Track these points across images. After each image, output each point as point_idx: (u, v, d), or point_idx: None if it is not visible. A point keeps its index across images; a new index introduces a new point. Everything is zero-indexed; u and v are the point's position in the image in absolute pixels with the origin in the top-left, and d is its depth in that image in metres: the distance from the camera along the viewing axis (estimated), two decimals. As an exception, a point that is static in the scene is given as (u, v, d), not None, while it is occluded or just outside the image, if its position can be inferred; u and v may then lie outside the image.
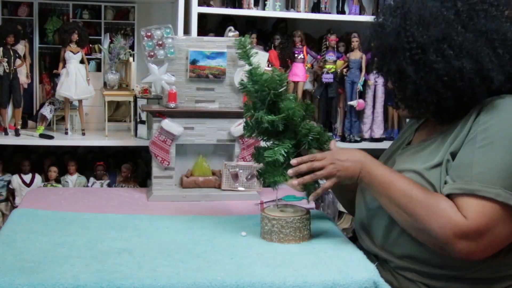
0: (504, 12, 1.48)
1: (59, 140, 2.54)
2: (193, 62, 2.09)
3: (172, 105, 2.08)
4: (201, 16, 2.64)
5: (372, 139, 2.79)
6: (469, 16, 1.45)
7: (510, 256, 1.43)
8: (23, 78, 2.54)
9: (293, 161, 1.58)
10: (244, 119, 1.70)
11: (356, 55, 2.73)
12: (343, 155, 1.56)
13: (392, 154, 1.69)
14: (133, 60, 2.65)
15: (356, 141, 2.77)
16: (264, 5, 2.75)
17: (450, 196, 1.39)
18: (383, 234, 1.54)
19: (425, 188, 1.44)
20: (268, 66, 2.62)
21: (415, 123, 1.73)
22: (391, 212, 1.47)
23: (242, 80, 1.69)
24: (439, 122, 1.55)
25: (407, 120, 1.87)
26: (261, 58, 2.16)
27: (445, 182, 1.41)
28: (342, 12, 2.85)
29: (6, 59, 2.43)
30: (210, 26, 2.85)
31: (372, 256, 1.58)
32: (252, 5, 2.70)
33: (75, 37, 2.51)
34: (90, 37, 2.66)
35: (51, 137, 2.53)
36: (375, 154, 1.94)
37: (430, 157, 1.48)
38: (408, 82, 1.48)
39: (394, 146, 1.74)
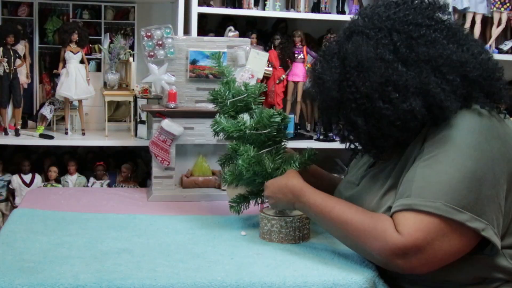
0: (443, 31, 1.41)
1: (59, 140, 2.54)
2: (193, 62, 2.09)
3: (172, 105, 2.08)
4: (201, 16, 2.65)
5: (372, 139, 2.79)
6: (409, 47, 1.37)
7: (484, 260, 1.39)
8: (23, 78, 2.54)
9: None
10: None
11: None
12: (274, 187, 1.59)
13: (361, 176, 1.64)
14: (133, 60, 2.65)
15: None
16: (264, 5, 2.76)
17: (393, 214, 1.35)
18: None
19: (364, 210, 1.42)
20: (268, 66, 2.63)
21: None
22: (334, 237, 1.50)
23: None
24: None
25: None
26: (261, 59, 2.16)
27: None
28: (342, 12, 2.85)
29: (6, 59, 2.43)
30: (210, 26, 2.85)
31: None
32: (252, 5, 2.70)
33: (75, 37, 2.51)
34: (90, 37, 2.66)
35: (51, 137, 2.53)
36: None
37: (385, 180, 1.47)
38: (361, 132, 1.44)
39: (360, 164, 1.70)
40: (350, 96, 1.41)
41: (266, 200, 1.66)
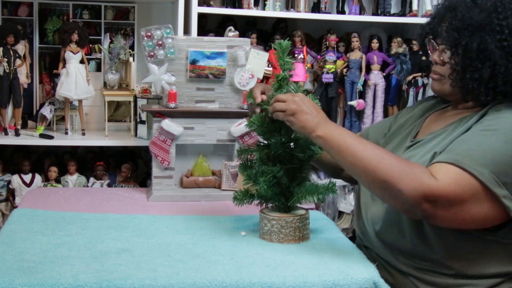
0: None
1: (59, 140, 2.54)
2: (193, 62, 2.09)
3: (172, 105, 2.08)
4: (201, 16, 2.64)
5: (372, 139, 2.79)
6: None
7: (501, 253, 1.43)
8: (23, 78, 2.54)
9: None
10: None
11: (356, 55, 2.73)
12: (308, 101, 1.50)
13: (397, 146, 1.66)
14: (133, 60, 2.64)
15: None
16: (264, 5, 2.76)
17: (434, 164, 1.37)
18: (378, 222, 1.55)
19: (400, 157, 1.43)
20: (268, 66, 2.62)
21: (409, 113, 1.74)
22: (354, 172, 1.43)
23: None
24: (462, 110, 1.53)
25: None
26: (261, 59, 2.16)
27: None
28: (342, 12, 2.85)
29: (6, 59, 2.43)
30: (210, 26, 2.85)
31: (371, 252, 1.59)
32: (252, 5, 2.70)
33: (75, 37, 2.51)
34: (90, 37, 2.66)
35: (51, 137, 2.53)
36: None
37: (434, 146, 1.48)
38: (487, 65, 1.42)
39: (395, 139, 1.71)
40: (497, 28, 1.41)
41: (285, 113, 1.50)
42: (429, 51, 1.59)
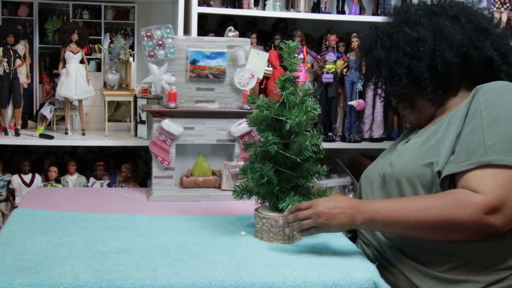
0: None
1: (59, 140, 2.54)
2: (193, 62, 2.09)
3: (172, 105, 2.08)
4: (201, 16, 2.64)
5: (372, 139, 2.79)
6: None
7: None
8: (23, 78, 2.53)
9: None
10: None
11: (356, 55, 2.73)
12: (328, 203, 1.48)
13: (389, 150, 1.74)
14: (133, 60, 2.64)
15: (356, 141, 2.76)
16: (264, 5, 2.75)
17: (459, 175, 1.41)
18: None
19: (430, 195, 1.45)
20: (268, 66, 2.62)
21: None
22: (413, 236, 1.45)
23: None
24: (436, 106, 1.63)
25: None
26: (261, 59, 2.16)
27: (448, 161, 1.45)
28: (342, 12, 2.85)
29: (6, 59, 2.43)
30: (210, 26, 2.85)
31: (371, 249, 1.60)
32: (252, 5, 2.70)
33: (75, 37, 2.50)
34: (90, 37, 2.65)
35: (51, 137, 2.53)
36: (375, 154, 1.95)
37: (426, 140, 1.53)
38: (405, 65, 1.59)
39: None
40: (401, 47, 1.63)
41: (312, 225, 1.49)
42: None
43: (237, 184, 1.73)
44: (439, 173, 1.45)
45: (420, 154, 1.51)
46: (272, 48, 2.74)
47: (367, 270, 1.42)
